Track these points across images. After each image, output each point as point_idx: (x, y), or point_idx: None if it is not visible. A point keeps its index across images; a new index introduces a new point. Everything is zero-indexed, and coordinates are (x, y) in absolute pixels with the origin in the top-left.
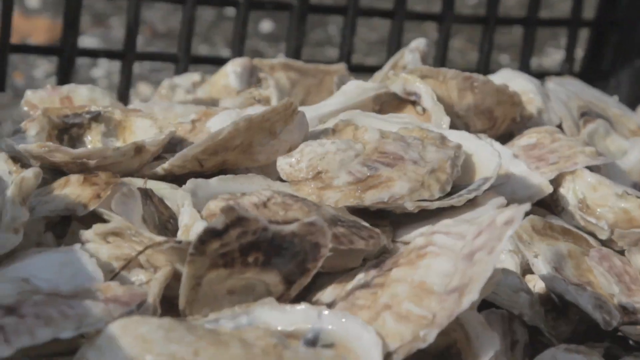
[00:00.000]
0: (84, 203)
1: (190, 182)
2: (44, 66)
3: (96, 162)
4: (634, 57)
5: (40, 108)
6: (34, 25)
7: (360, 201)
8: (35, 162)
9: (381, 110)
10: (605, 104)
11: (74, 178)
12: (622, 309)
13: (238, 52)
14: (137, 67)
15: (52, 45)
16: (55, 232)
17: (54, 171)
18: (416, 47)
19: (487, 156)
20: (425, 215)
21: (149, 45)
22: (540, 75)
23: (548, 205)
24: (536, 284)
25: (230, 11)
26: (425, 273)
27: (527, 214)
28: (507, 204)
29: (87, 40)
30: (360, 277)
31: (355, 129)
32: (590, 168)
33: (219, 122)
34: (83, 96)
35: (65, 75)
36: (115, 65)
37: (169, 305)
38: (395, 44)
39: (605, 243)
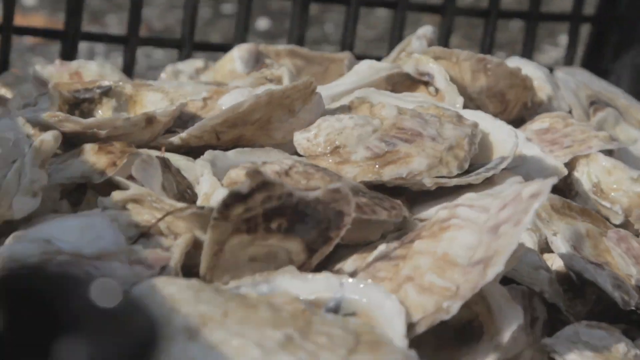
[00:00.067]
0: (100, 170)
1: (208, 154)
2: (40, 64)
3: (107, 133)
4: (634, 53)
5: (50, 83)
6: (30, 22)
7: (379, 177)
8: None
9: (394, 91)
10: (613, 95)
11: (89, 147)
12: (639, 290)
13: (241, 40)
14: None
15: (56, 29)
16: (70, 199)
17: (64, 144)
18: (423, 34)
19: (504, 136)
20: (442, 193)
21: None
22: None
23: (561, 190)
24: (553, 263)
25: (227, 8)
26: (448, 245)
27: None
28: None
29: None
30: (381, 249)
31: (370, 106)
32: (604, 153)
33: (231, 100)
34: (92, 72)
35: (68, 60)
36: (114, 57)
37: (187, 275)
38: (397, 36)
39: (620, 227)
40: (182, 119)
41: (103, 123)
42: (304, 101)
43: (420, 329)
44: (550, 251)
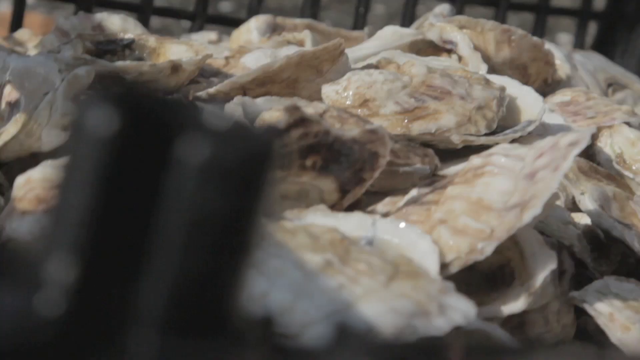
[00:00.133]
0: None
1: (237, 99)
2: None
3: (132, 78)
4: None
5: (72, 34)
6: (29, 20)
7: (408, 131)
8: None
9: None
10: (630, 80)
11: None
12: None
13: (254, 12)
14: None
15: None
16: None
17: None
18: (440, 12)
19: (531, 101)
20: (468, 153)
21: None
22: None
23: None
24: (580, 222)
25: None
26: (483, 190)
27: None
28: None
29: None
30: (412, 194)
31: (397, 66)
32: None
33: (254, 59)
34: (115, 25)
35: None
36: None
37: None
38: (409, 17)
39: None
40: (204, 75)
41: (129, 67)
42: (333, 62)
43: (454, 269)
44: (577, 211)
